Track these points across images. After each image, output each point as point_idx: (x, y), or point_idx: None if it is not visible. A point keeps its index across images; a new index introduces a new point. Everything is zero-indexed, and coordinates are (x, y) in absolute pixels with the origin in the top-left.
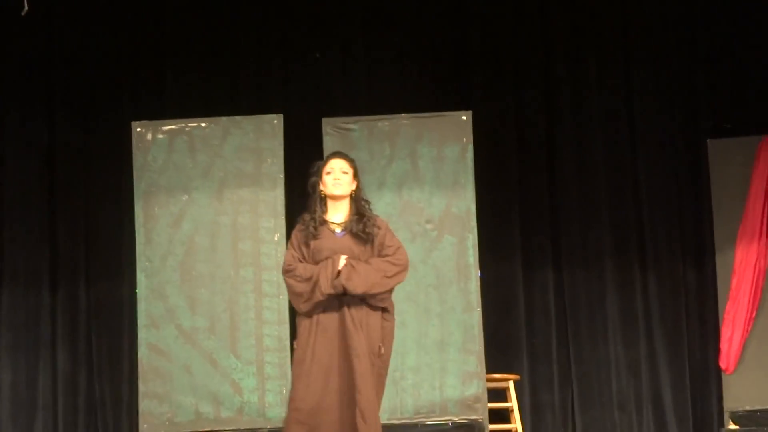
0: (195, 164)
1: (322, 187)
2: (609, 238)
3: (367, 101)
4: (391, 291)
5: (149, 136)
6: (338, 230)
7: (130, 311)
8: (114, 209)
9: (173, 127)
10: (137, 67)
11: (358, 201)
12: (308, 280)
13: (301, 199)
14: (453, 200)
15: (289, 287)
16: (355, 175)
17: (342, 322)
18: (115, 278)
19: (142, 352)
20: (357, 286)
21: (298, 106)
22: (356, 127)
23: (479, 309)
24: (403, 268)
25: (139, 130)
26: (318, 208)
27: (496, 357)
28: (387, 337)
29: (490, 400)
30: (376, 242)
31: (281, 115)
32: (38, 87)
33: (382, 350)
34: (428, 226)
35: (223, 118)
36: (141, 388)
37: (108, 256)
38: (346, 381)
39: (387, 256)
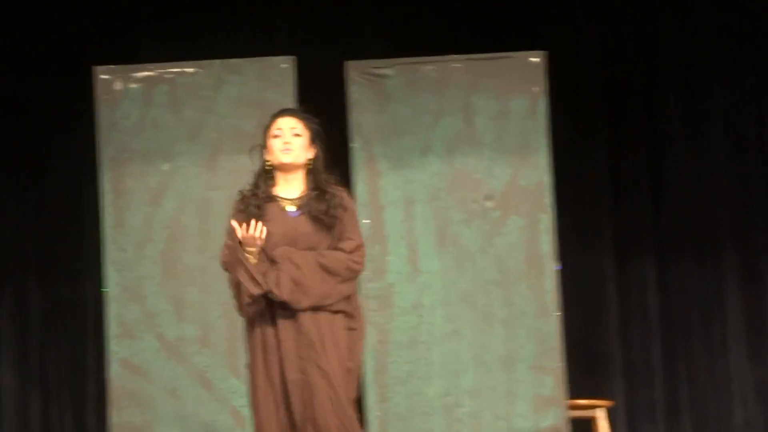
0: (179, 122)
1: (266, 155)
2: (728, 219)
3: (406, 38)
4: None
5: (118, 86)
6: (291, 208)
7: (95, 317)
8: (72, 183)
9: (150, 73)
10: None
11: (316, 174)
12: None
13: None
14: (521, 170)
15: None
16: (313, 140)
17: (295, 332)
18: (75, 274)
19: (114, 371)
20: (300, 299)
21: (315, 45)
22: (392, 72)
23: (558, 313)
24: (356, 273)
25: (104, 77)
26: (262, 180)
27: (581, 377)
28: (355, 350)
29: None
30: (337, 227)
31: (293, 57)
32: None
33: (351, 366)
34: (488, 204)
35: (216, 62)
36: (113, 417)
37: (66, 245)
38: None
39: (343, 251)
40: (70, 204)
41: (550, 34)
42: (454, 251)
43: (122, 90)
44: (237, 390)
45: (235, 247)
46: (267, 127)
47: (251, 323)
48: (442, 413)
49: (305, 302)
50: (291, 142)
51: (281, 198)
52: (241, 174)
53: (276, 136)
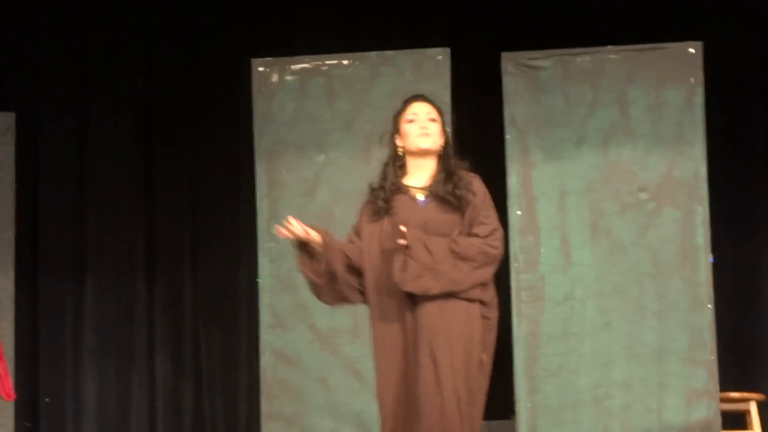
0: (334, 114)
1: (399, 142)
2: None
3: (561, 29)
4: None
5: (275, 78)
6: (420, 196)
7: (249, 307)
8: (229, 174)
9: (306, 65)
10: None
11: (447, 159)
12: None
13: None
14: (676, 161)
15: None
16: (444, 127)
17: (412, 317)
18: (229, 264)
19: (266, 361)
20: (429, 287)
21: (470, 37)
22: (547, 63)
23: (711, 306)
24: (495, 259)
25: (261, 69)
26: (391, 171)
27: (734, 369)
28: (489, 342)
29: (725, 427)
30: (468, 212)
31: (448, 49)
32: (130, 18)
33: (484, 359)
34: (643, 196)
35: (372, 54)
36: (264, 407)
37: (220, 235)
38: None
39: (477, 236)
40: (225, 195)
41: (707, 24)
42: (607, 243)
43: (278, 82)
44: None
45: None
46: (399, 113)
47: (378, 322)
48: (592, 405)
49: (435, 289)
50: (428, 127)
51: (410, 187)
52: None
53: (411, 121)
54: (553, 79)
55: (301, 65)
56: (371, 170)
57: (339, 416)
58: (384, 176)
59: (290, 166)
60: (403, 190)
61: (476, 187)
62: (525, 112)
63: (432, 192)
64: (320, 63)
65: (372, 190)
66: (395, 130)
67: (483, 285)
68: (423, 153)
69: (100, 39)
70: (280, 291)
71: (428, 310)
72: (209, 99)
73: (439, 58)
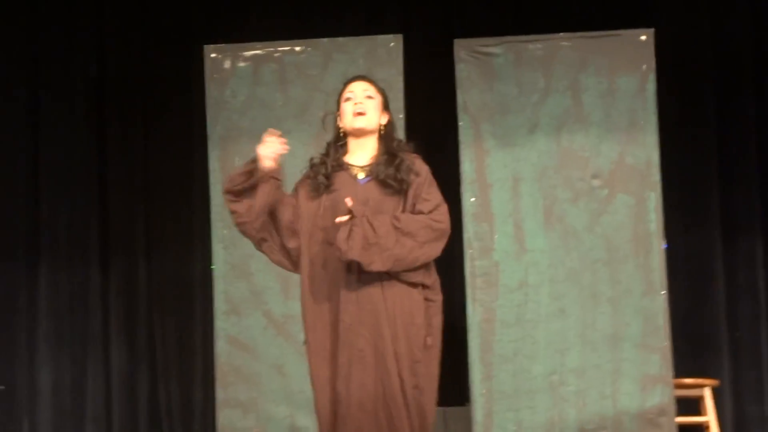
0: (287, 101)
1: (338, 122)
2: None
3: (514, 16)
4: (424, 265)
5: (227, 64)
6: (361, 175)
7: (203, 294)
8: (181, 161)
9: (259, 51)
10: None
11: (388, 139)
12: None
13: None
14: (628, 147)
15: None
16: (386, 106)
17: (357, 305)
18: (184, 251)
19: (221, 347)
20: (372, 260)
21: (423, 24)
22: (499, 50)
23: (664, 292)
24: (442, 233)
25: (213, 56)
26: (333, 149)
27: (687, 356)
28: (435, 325)
29: (679, 413)
30: (410, 192)
31: (400, 36)
32: (81, 3)
33: (429, 341)
34: (596, 183)
35: (324, 40)
36: (219, 394)
37: (174, 221)
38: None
39: (421, 212)
40: (179, 182)
41: (658, 11)
42: (561, 230)
43: (231, 68)
44: None
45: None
46: (339, 93)
47: (309, 297)
48: (547, 392)
49: (378, 264)
50: (363, 103)
51: (351, 165)
52: None
53: (348, 99)
54: (505, 66)
55: (253, 51)
56: None
57: (294, 403)
58: (326, 153)
59: (243, 153)
60: (344, 167)
61: (418, 166)
62: (478, 99)
63: (373, 172)
64: (273, 49)
65: (312, 165)
66: (337, 108)
67: (426, 267)
68: (358, 132)
69: (51, 24)
70: (235, 278)
71: (370, 291)
72: (162, 86)
73: (392, 44)
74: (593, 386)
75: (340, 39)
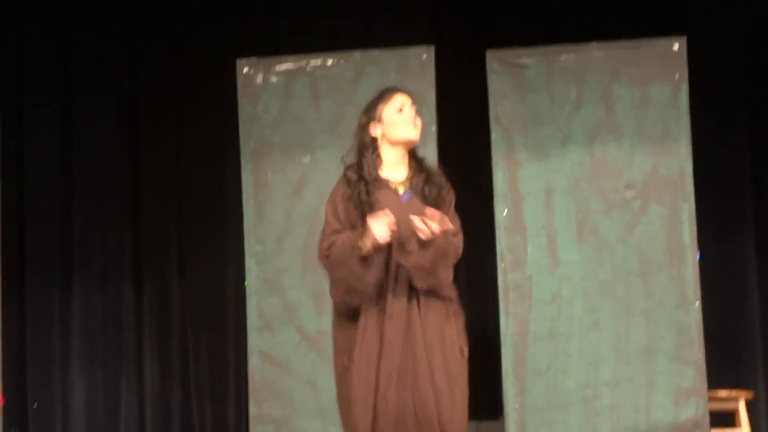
0: (320, 115)
1: (376, 131)
2: None
3: (545, 27)
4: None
5: (259, 79)
6: (401, 190)
7: (236, 310)
8: (214, 176)
9: (290, 66)
10: None
11: (416, 155)
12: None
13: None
14: (662, 158)
15: (333, 270)
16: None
17: (408, 313)
18: (217, 267)
19: (254, 364)
20: (421, 278)
21: (454, 35)
22: (531, 61)
23: (698, 303)
24: (458, 259)
25: (246, 70)
26: (369, 161)
27: (722, 368)
28: (463, 336)
29: (714, 425)
30: (441, 211)
31: (432, 47)
32: (114, 19)
33: (465, 352)
34: (628, 194)
35: (356, 53)
36: (252, 410)
37: (207, 238)
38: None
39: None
40: (212, 197)
41: (691, 19)
42: (594, 242)
43: (263, 83)
44: None
45: (360, 237)
46: (382, 101)
47: (347, 317)
48: (580, 405)
49: (424, 282)
50: (415, 117)
51: (390, 180)
52: None
53: (400, 111)
54: (537, 77)
55: (285, 66)
56: None
57: (327, 419)
58: (360, 166)
59: (276, 168)
60: (382, 182)
61: (448, 185)
62: (510, 111)
63: (414, 188)
64: (304, 63)
65: (349, 182)
66: (373, 118)
67: (452, 283)
68: (406, 144)
69: (85, 40)
70: (268, 293)
71: (407, 307)
72: (194, 100)
73: (424, 56)
74: (627, 400)
75: (372, 52)
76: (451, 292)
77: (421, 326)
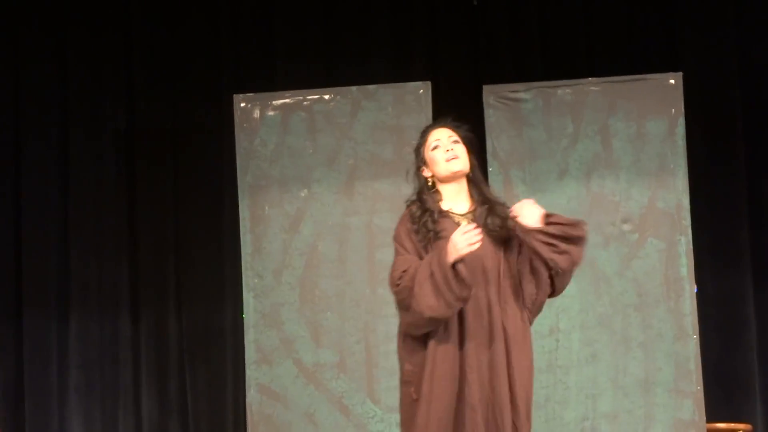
0: (317, 149)
1: (427, 172)
2: None
3: (542, 62)
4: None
5: (256, 114)
6: (463, 222)
7: (234, 343)
8: (212, 210)
9: (288, 100)
10: (238, 23)
11: (477, 183)
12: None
13: None
14: (659, 192)
15: (401, 302)
16: (469, 148)
17: (491, 328)
18: (214, 301)
19: (251, 396)
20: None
21: (451, 70)
22: (528, 96)
23: (696, 336)
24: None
25: (243, 105)
26: (429, 197)
27: (721, 400)
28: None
29: None
30: (514, 240)
31: (429, 83)
32: (112, 52)
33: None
34: (626, 227)
35: (353, 88)
36: None
37: (204, 271)
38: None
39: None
40: (209, 231)
41: (686, 54)
42: (592, 275)
43: (260, 117)
44: (374, 415)
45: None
46: (421, 144)
47: (426, 337)
48: None
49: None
50: (453, 148)
51: (452, 213)
52: (377, 200)
53: (436, 147)
54: (534, 112)
55: (282, 100)
56: (355, 205)
57: None
58: (422, 203)
59: (273, 202)
60: (445, 215)
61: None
62: (507, 145)
63: (477, 219)
64: (302, 98)
65: (411, 214)
66: (421, 162)
67: None
68: (455, 177)
69: (81, 75)
70: (265, 327)
71: (493, 339)
72: (191, 135)
73: (421, 91)
74: (626, 431)
75: (369, 87)
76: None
77: (506, 360)
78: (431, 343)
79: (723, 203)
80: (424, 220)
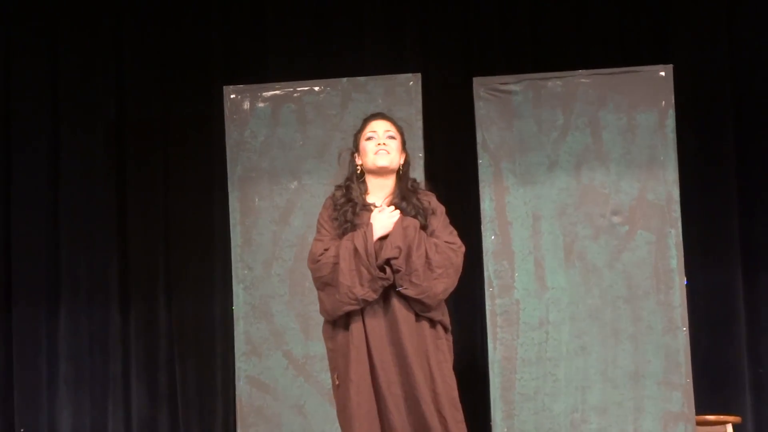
0: (307, 141)
1: (358, 160)
2: None
3: (532, 54)
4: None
5: (246, 105)
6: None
7: (224, 335)
8: (201, 202)
9: (278, 92)
10: (229, 15)
11: (405, 180)
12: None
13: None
14: (649, 184)
15: (321, 278)
16: (404, 146)
17: (393, 331)
18: (204, 292)
19: (241, 388)
20: (409, 285)
21: (441, 62)
22: (518, 88)
23: (685, 329)
24: (458, 268)
25: (233, 96)
26: (356, 188)
27: (709, 392)
28: (451, 354)
29: None
30: (428, 231)
31: (419, 75)
32: (102, 44)
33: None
34: (616, 219)
35: (343, 80)
36: None
37: (194, 263)
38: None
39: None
40: (199, 223)
41: (677, 46)
42: (581, 267)
43: (250, 109)
44: None
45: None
46: (359, 131)
47: (336, 337)
48: (569, 430)
49: (413, 290)
50: (387, 143)
51: (372, 205)
52: None
53: (370, 139)
54: (524, 104)
55: (272, 92)
56: None
57: None
58: (348, 192)
59: (263, 194)
60: (366, 207)
61: (435, 205)
62: (497, 137)
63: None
64: (292, 90)
65: (335, 200)
66: (355, 148)
67: (443, 305)
68: (380, 171)
69: (72, 67)
70: (255, 318)
71: (398, 330)
72: (181, 127)
73: (411, 83)
74: (615, 424)
75: (359, 78)
76: (444, 317)
77: (416, 351)
78: (351, 327)
79: (713, 196)
80: (345, 209)
